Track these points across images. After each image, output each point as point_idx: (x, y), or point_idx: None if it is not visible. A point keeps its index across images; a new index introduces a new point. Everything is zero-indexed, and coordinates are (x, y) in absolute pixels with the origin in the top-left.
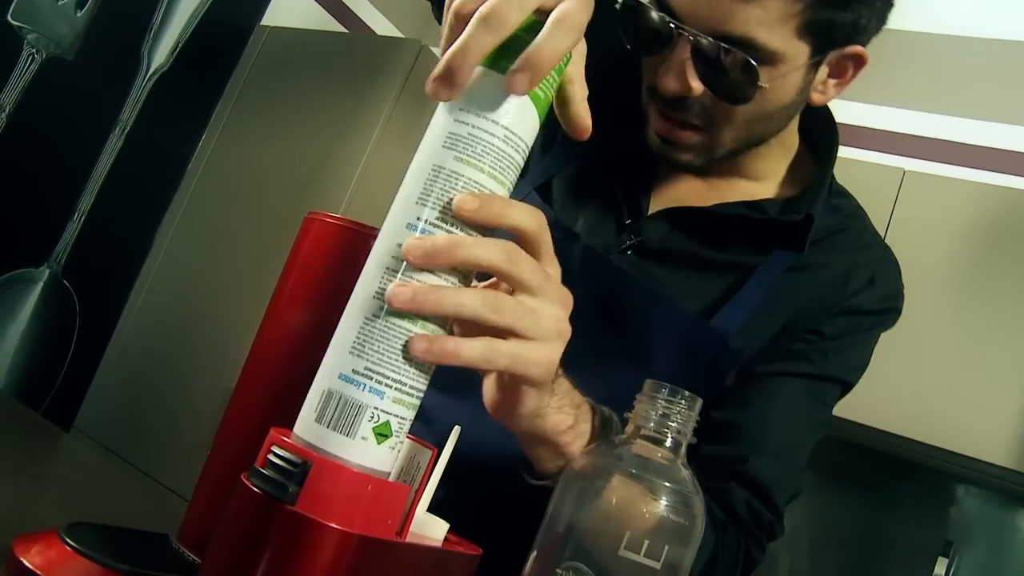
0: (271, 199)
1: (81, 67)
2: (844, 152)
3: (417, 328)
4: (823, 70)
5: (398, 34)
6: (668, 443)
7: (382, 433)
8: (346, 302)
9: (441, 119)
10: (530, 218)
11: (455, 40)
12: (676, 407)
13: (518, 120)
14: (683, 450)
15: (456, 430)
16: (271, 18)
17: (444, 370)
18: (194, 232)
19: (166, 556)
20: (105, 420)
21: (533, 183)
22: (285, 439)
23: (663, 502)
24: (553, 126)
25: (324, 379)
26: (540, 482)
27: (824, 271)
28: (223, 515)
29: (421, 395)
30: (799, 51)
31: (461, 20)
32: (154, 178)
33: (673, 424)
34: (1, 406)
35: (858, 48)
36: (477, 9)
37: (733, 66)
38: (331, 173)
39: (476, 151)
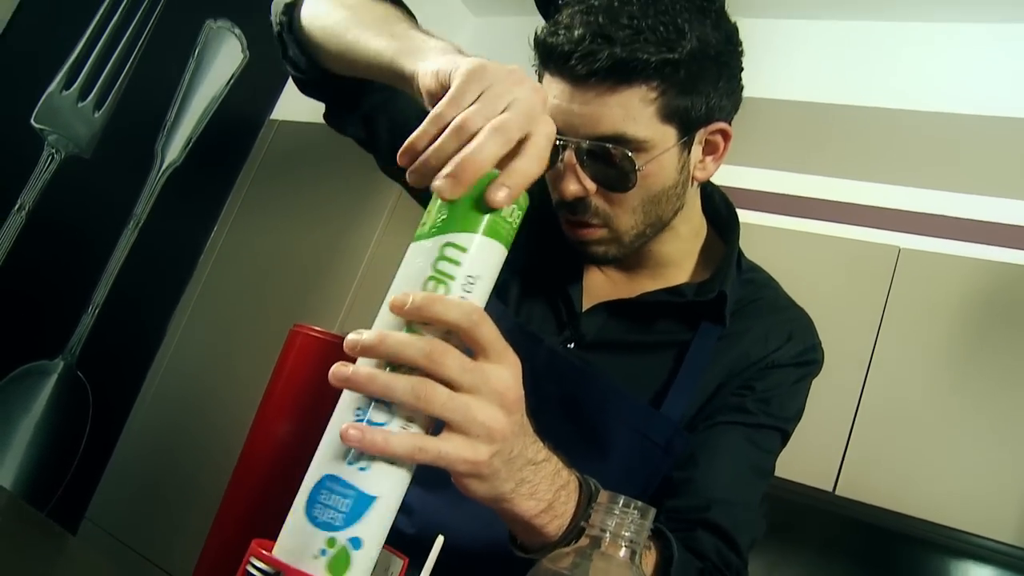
0: (281, 287)
1: (97, 164)
2: (839, 231)
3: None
4: (696, 149)
5: None
6: (622, 553)
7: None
8: (327, 412)
9: (408, 264)
10: (461, 314)
11: (457, 146)
12: (629, 517)
13: (478, 262)
14: (638, 558)
15: (439, 540)
16: (280, 112)
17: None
18: (206, 322)
19: None
20: (115, 510)
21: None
22: (263, 551)
23: None
24: None
25: (298, 502)
26: (526, 555)
27: (747, 335)
28: None
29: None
30: (667, 134)
31: (467, 131)
32: (167, 269)
33: (627, 534)
34: (7, 507)
35: (721, 124)
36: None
37: (613, 160)
38: (339, 261)
39: None
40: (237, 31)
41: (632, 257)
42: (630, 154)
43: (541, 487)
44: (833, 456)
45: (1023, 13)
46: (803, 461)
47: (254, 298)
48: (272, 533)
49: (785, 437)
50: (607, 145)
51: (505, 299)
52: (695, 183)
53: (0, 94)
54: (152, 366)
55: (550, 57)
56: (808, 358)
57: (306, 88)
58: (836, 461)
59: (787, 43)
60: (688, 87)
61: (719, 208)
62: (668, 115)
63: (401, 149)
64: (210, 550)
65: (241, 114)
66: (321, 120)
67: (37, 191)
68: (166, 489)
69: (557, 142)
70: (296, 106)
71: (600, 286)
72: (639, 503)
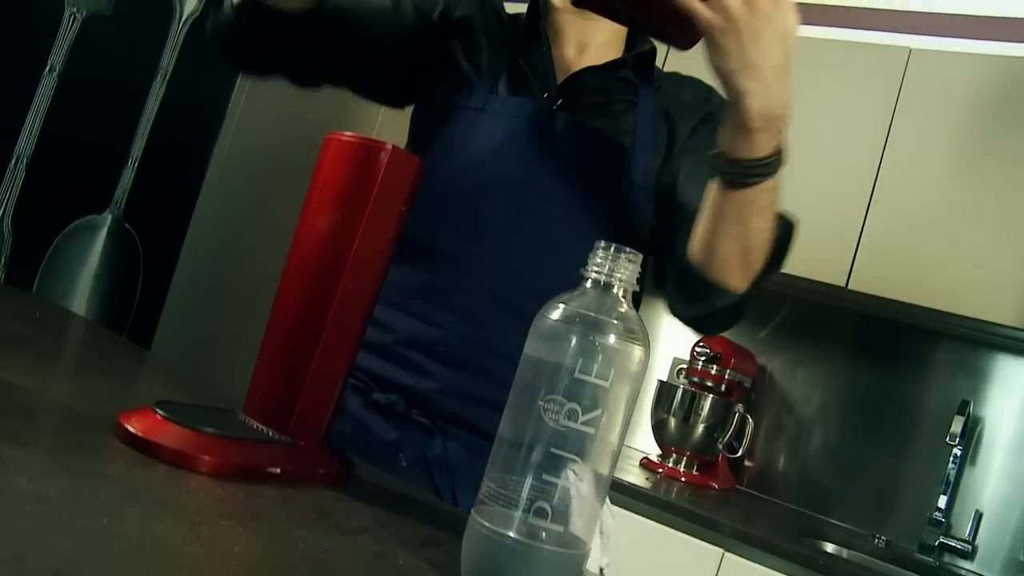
0: (309, 122)
1: (119, 21)
2: (849, 35)
3: None
4: None
5: None
6: (615, 290)
7: None
8: (362, 207)
9: None
10: None
11: None
12: (620, 260)
13: None
14: (629, 298)
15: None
16: None
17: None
18: (240, 164)
19: (235, 424)
20: (176, 348)
21: (491, 80)
22: None
23: (612, 334)
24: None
25: None
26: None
27: (683, 94)
28: None
29: None
30: None
31: None
32: (198, 119)
33: (618, 274)
34: (90, 330)
35: None
36: None
37: None
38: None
39: None
40: None
41: (589, 31)
42: None
43: (775, 99)
44: (846, 252)
45: None
46: (816, 259)
47: (284, 135)
48: (312, 348)
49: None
50: None
51: (494, 78)
52: None
53: None
54: (194, 210)
55: None
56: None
57: (246, 42)
58: (848, 257)
59: None
60: None
61: None
62: None
63: None
64: (261, 368)
65: None
66: None
67: (64, 52)
68: (219, 324)
69: None
70: None
71: (566, 63)
72: (631, 250)
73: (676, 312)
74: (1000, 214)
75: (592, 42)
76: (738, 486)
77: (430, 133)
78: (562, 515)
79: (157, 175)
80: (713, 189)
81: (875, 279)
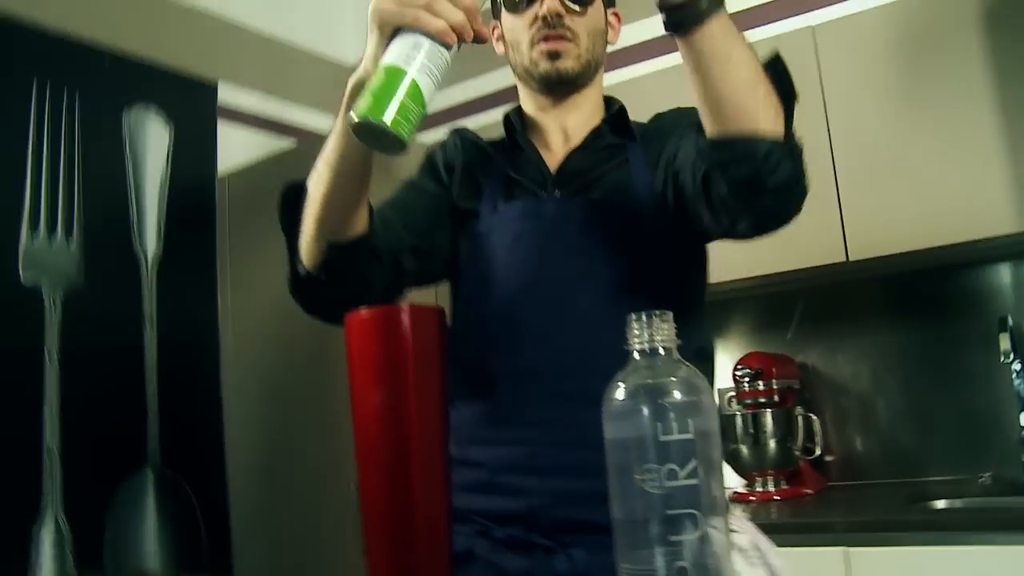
0: (305, 320)
1: (95, 287)
2: (755, 35)
3: None
4: (611, 17)
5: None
6: (660, 351)
7: None
8: (404, 375)
9: None
10: None
11: None
12: (654, 324)
13: None
14: (675, 351)
15: None
16: (224, 167)
17: None
18: (250, 370)
19: None
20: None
21: (491, 202)
22: None
23: (675, 392)
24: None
25: None
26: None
27: (664, 124)
28: None
29: None
30: None
31: None
32: (196, 352)
33: (658, 337)
34: None
35: (615, 10)
36: None
37: None
38: None
39: None
40: (153, 108)
41: (567, 115)
42: None
43: None
44: (834, 228)
45: None
46: (810, 246)
47: (280, 324)
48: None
49: None
50: None
51: (494, 201)
52: (608, 43)
53: None
54: (225, 442)
55: None
56: None
57: (333, 281)
58: (838, 232)
59: None
60: None
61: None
62: None
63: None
64: (373, 565)
65: (192, 183)
66: (263, 155)
67: (56, 335)
68: (291, 528)
69: None
70: (234, 156)
71: (556, 154)
72: (657, 311)
73: (744, 214)
74: (952, 137)
75: (572, 122)
76: (829, 484)
77: (459, 272)
78: (702, 566)
79: (177, 413)
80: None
81: (870, 242)
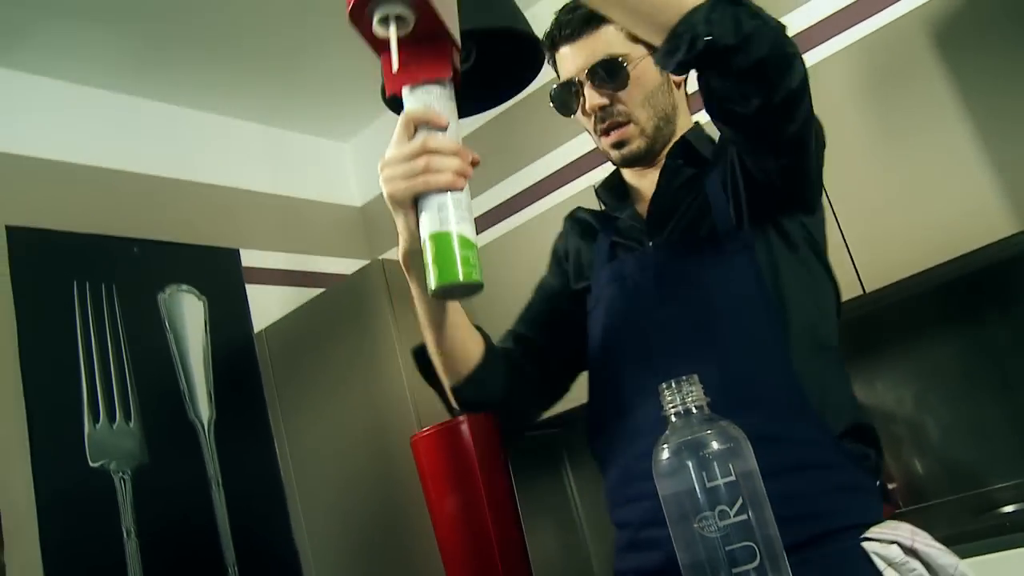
0: (363, 451)
1: (159, 462)
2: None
3: None
4: None
5: (363, 261)
6: (694, 411)
7: None
8: (474, 480)
9: None
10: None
11: None
12: (683, 388)
13: None
14: (706, 408)
15: None
16: (259, 323)
17: None
18: (321, 520)
19: None
20: None
21: (604, 273)
22: None
23: (713, 442)
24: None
25: None
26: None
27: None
28: None
29: None
30: (637, 49)
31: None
32: (261, 502)
33: (689, 399)
34: None
35: None
36: None
37: (610, 70)
38: (389, 398)
39: None
40: (184, 287)
41: (659, 162)
42: (619, 61)
43: None
44: (845, 265)
45: None
46: None
47: (343, 472)
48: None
49: None
50: (604, 62)
51: (602, 263)
52: (678, 88)
53: (57, 457)
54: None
55: (555, 39)
56: None
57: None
58: (849, 268)
59: None
60: None
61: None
62: (634, 38)
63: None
64: None
65: (233, 347)
66: (293, 308)
67: (130, 513)
68: None
69: (575, 82)
70: (269, 313)
71: (640, 207)
72: (685, 377)
73: (755, 106)
74: (934, 155)
75: (649, 177)
76: (896, 511)
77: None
78: None
79: (254, 567)
80: None
81: (882, 271)
